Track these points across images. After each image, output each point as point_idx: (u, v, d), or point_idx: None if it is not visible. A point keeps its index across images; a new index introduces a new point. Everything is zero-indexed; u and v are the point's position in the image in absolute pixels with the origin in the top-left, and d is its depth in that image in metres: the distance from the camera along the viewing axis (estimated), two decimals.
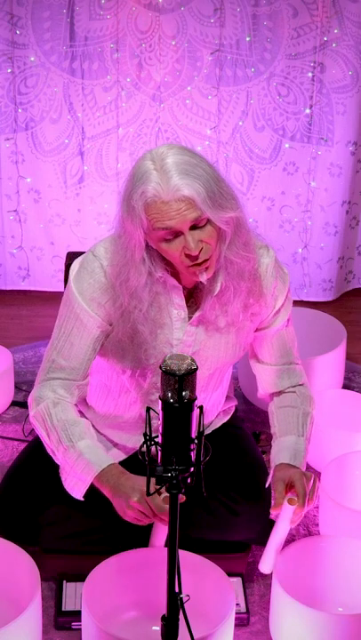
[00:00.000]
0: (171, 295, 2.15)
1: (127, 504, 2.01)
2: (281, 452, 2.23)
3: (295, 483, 2.11)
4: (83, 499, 2.11)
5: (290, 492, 2.12)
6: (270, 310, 2.24)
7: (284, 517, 2.10)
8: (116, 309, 2.13)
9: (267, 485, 2.23)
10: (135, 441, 2.37)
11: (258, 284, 2.18)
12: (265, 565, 2.15)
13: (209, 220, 2.00)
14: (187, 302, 2.17)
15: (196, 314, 2.17)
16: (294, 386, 2.34)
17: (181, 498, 1.74)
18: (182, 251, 2.01)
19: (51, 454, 2.17)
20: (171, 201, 1.96)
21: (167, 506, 1.94)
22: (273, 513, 2.12)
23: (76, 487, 2.11)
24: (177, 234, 2.00)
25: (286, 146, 3.67)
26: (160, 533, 2.15)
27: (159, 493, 1.93)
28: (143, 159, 2.02)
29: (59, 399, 2.17)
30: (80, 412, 2.30)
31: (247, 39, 3.51)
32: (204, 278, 2.06)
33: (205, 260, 2.03)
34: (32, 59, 3.52)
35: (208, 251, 2.03)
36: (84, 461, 2.08)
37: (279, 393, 2.35)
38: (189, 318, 2.18)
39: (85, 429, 2.15)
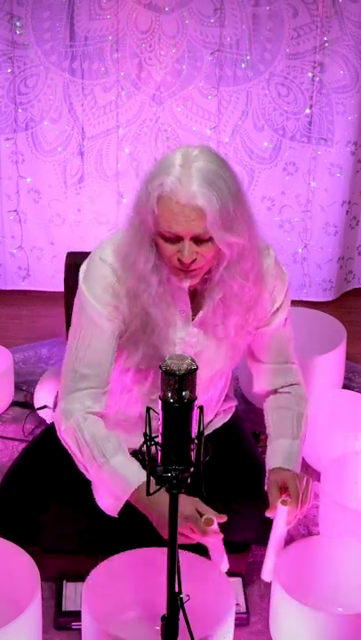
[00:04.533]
0: (175, 294, 2.15)
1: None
2: (275, 455, 2.25)
3: (288, 484, 2.14)
4: (117, 516, 2.08)
5: (284, 494, 2.14)
6: (268, 311, 2.24)
7: (280, 519, 2.13)
8: (125, 295, 2.11)
9: (266, 489, 2.23)
10: (135, 441, 2.36)
11: (253, 312, 2.18)
12: (266, 573, 2.19)
13: (211, 237, 2.00)
14: (190, 303, 2.17)
15: (199, 314, 2.17)
16: (289, 385, 2.35)
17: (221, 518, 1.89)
18: (176, 254, 2.02)
19: (82, 470, 2.13)
20: (183, 205, 1.96)
21: (209, 528, 1.96)
22: (268, 515, 2.15)
23: (110, 505, 2.08)
24: (177, 238, 2.00)
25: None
26: (216, 554, 2.11)
27: (201, 515, 1.99)
28: (175, 151, 2.02)
29: (88, 412, 2.13)
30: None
31: (247, 39, 3.51)
32: (186, 285, 2.07)
33: (193, 270, 2.04)
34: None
35: (200, 262, 2.04)
36: (119, 478, 2.05)
37: (274, 392, 2.36)
38: (192, 319, 2.18)
39: (117, 444, 2.11)
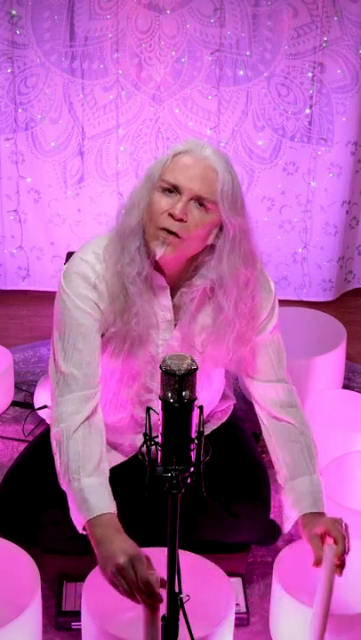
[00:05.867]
0: (157, 295, 2.14)
1: (112, 563, 1.88)
2: (300, 500, 2.16)
3: (331, 530, 2.06)
4: (82, 531, 2.02)
5: (326, 539, 2.06)
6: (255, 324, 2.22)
7: (328, 568, 1.99)
8: (107, 291, 2.10)
9: (285, 531, 2.18)
10: (130, 440, 2.36)
11: (241, 346, 2.17)
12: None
13: (210, 210, 2.00)
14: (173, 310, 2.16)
15: (180, 321, 2.16)
16: (287, 407, 2.28)
17: None
18: (167, 209, 2.00)
19: (58, 477, 2.10)
20: (199, 160, 2.00)
21: (151, 572, 1.86)
22: (315, 567, 2.04)
23: (75, 521, 2.04)
24: (176, 192, 2.01)
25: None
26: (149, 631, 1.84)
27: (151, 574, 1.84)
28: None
29: (83, 418, 2.09)
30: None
31: (247, 39, 3.51)
32: (158, 252, 2.02)
33: (176, 235, 2.01)
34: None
35: (185, 229, 2.01)
36: (82, 499, 2.00)
37: (275, 418, 2.28)
38: (175, 324, 2.17)
39: (97, 465, 2.05)
